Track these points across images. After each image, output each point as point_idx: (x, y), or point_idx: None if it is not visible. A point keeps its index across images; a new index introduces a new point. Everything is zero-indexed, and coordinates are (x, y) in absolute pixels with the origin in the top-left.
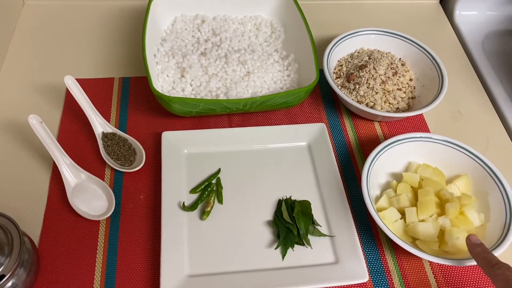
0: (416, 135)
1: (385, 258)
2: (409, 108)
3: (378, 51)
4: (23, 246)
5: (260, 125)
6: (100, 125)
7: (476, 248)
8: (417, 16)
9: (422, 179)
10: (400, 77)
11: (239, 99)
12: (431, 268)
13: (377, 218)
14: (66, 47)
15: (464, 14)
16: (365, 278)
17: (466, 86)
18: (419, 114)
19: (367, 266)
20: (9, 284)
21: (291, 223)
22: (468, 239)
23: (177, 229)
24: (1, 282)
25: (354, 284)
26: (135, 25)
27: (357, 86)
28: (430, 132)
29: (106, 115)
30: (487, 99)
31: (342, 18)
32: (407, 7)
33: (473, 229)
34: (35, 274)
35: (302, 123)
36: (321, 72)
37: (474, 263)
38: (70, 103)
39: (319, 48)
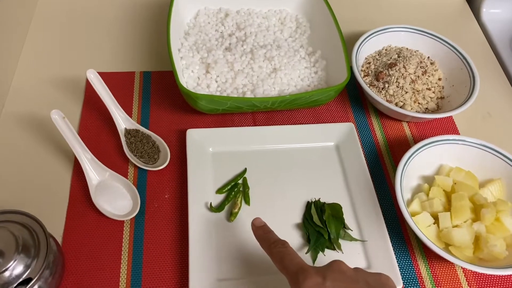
0: (449, 138)
1: (417, 264)
2: (438, 108)
3: (407, 49)
4: (49, 248)
5: (285, 124)
6: (123, 121)
7: (259, 230)
8: (443, 14)
9: (456, 183)
10: (429, 76)
11: (269, 98)
12: (464, 276)
13: (412, 223)
14: (84, 40)
15: (491, 12)
16: (399, 284)
17: (494, 86)
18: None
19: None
20: (36, 287)
21: (321, 227)
22: (253, 223)
23: (204, 230)
24: (29, 285)
25: None
26: (155, 17)
27: (386, 85)
28: (459, 133)
29: (127, 111)
30: None
31: (367, 15)
32: (432, 5)
33: (509, 236)
34: (60, 276)
35: (328, 122)
36: None
37: (510, 272)
38: (90, 98)
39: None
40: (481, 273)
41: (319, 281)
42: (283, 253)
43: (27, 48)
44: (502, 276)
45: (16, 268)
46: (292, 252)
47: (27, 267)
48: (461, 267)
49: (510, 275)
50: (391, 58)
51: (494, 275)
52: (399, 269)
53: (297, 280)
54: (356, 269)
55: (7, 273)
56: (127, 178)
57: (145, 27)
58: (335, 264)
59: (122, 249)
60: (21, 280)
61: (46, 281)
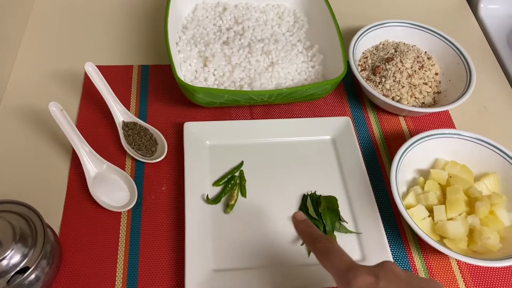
0: (445, 131)
1: (412, 256)
2: (434, 103)
3: (404, 43)
4: (46, 238)
5: (282, 117)
6: (120, 114)
7: (300, 224)
8: (440, 9)
9: (451, 177)
10: (426, 71)
11: (265, 91)
12: (458, 268)
13: (407, 216)
14: (82, 33)
15: (489, 7)
16: None
17: (491, 81)
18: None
19: None
20: (33, 276)
21: (317, 219)
22: (294, 216)
23: (201, 222)
24: (26, 274)
25: None
26: (153, 11)
27: (383, 80)
28: (455, 127)
29: (125, 104)
30: None
31: (364, 10)
32: (430, 0)
33: (503, 229)
34: (58, 266)
35: (325, 116)
36: None
37: (504, 264)
38: (88, 91)
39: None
40: (475, 266)
41: (371, 281)
42: (330, 249)
43: (25, 41)
44: (496, 268)
45: (13, 257)
46: (339, 248)
47: (24, 256)
48: (455, 259)
49: (504, 267)
50: (388, 52)
51: (487, 267)
52: (394, 261)
53: (347, 278)
54: (409, 273)
55: (4, 262)
56: (124, 171)
57: (144, 21)
58: (388, 265)
59: (119, 239)
60: (18, 269)
61: (43, 270)
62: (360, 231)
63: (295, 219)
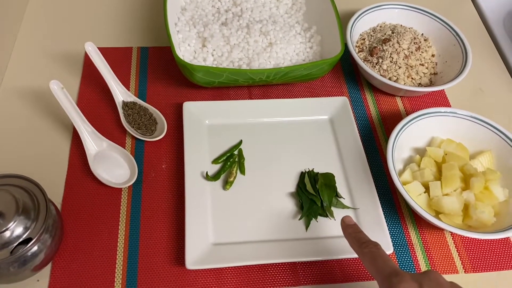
0: (441, 110)
1: (408, 232)
2: (431, 84)
3: (401, 25)
4: (49, 212)
5: (280, 98)
6: (120, 94)
7: (349, 228)
8: None
9: (446, 154)
10: (422, 52)
11: (263, 69)
12: (453, 242)
13: (403, 190)
14: (82, 15)
15: None
16: (389, 250)
17: (487, 63)
18: (440, 90)
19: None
20: (35, 248)
21: (314, 195)
22: (343, 220)
23: (200, 198)
24: (28, 245)
25: None
26: None
27: (380, 60)
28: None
29: (125, 85)
30: (509, 77)
31: None
32: None
33: (497, 204)
34: (59, 239)
35: (323, 97)
36: None
37: (498, 236)
38: (88, 71)
39: (341, 21)
40: (469, 240)
41: (415, 287)
42: (376, 254)
43: (26, 22)
44: (489, 241)
45: (16, 229)
46: (385, 254)
47: (26, 228)
48: (450, 233)
49: (497, 240)
50: (385, 34)
51: (481, 240)
52: (390, 236)
53: (391, 282)
54: (453, 283)
55: (7, 233)
56: (124, 149)
57: (143, 3)
58: (432, 274)
59: (120, 215)
60: (21, 240)
61: (45, 242)
62: (356, 207)
63: (344, 223)
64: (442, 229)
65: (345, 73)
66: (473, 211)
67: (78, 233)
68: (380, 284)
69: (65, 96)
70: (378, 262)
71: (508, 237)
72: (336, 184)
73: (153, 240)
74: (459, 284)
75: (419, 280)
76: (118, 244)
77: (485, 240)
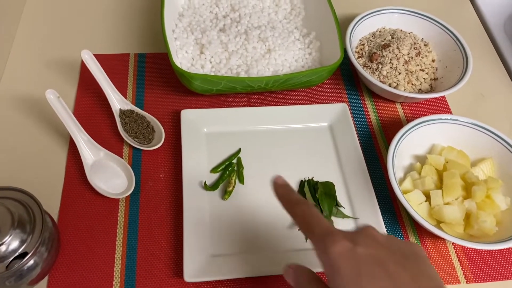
0: (442, 117)
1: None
2: (431, 90)
3: (401, 30)
4: (45, 224)
5: (279, 105)
6: (117, 102)
7: (280, 189)
8: None
9: (447, 162)
10: (423, 57)
11: (262, 77)
12: (455, 252)
13: (403, 200)
14: (79, 21)
15: None
16: None
17: (488, 68)
18: (441, 96)
19: None
20: (31, 262)
21: (314, 204)
22: (274, 181)
23: (199, 208)
24: (24, 259)
25: None
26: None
27: (380, 66)
28: (452, 114)
29: (122, 93)
30: (510, 81)
31: None
32: None
33: (499, 213)
34: (56, 252)
35: (322, 103)
36: None
37: (500, 247)
38: (85, 79)
39: (340, 26)
40: (471, 250)
41: (349, 246)
42: (308, 214)
43: (22, 29)
44: (491, 251)
45: (12, 243)
46: (318, 213)
47: (22, 242)
48: (452, 243)
49: (499, 250)
50: (385, 39)
51: (483, 250)
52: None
53: (324, 243)
54: (389, 236)
55: (3, 247)
56: (122, 158)
57: (140, 9)
58: (367, 230)
59: (118, 226)
60: (17, 254)
61: (41, 256)
62: (357, 216)
63: (275, 184)
64: (443, 239)
65: (344, 79)
66: (474, 220)
67: (75, 245)
68: (314, 245)
69: (61, 106)
70: (310, 222)
71: (511, 247)
72: (336, 193)
73: (151, 251)
74: None
75: (353, 238)
76: (115, 256)
77: (487, 249)
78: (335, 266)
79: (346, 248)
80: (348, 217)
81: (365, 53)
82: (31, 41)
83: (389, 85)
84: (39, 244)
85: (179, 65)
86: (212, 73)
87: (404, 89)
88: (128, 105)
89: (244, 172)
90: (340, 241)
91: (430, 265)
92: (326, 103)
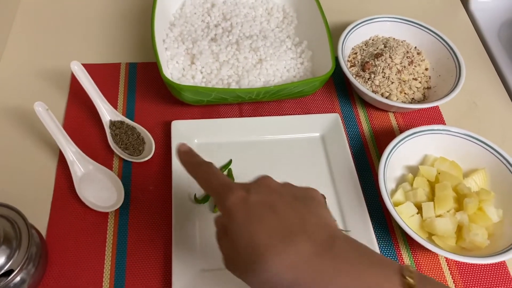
0: (434, 128)
1: (401, 253)
2: (424, 99)
3: (394, 39)
4: (31, 240)
5: (271, 115)
6: (107, 113)
7: (183, 156)
8: (431, 3)
9: (439, 173)
10: (416, 66)
11: (253, 89)
12: (447, 264)
13: (395, 213)
14: (69, 31)
15: (480, 1)
16: None
17: (482, 76)
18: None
19: None
20: (18, 279)
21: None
22: (177, 149)
23: (188, 221)
24: (10, 277)
25: None
26: (141, 8)
27: (372, 76)
28: (445, 123)
29: (113, 103)
30: (504, 90)
31: (354, 4)
32: None
33: (491, 225)
34: (43, 268)
35: (314, 113)
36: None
37: (492, 260)
38: (75, 89)
39: (332, 34)
40: (463, 262)
41: (243, 195)
42: (208, 173)
43: (11, 40)
44: (484, 264)
45: None
46: (217, 171)
47: (8, 259)
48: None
49: (491, 263)
50: (377, 48)
51: (475, 264)
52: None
53: (221, 196)
54: (284, 183)
55: None
56: (111, 170)
57: (131, 17)
58: (261, 178)
59: (107, 240)
60: (2, 271)
61: (28, 272)
62: (348, 229)
63: (179, 151)
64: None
65: (337, 88)
66: (466, 233)
67: (63, 260)
68: (214, 199)
69: (50, 118)
70: (210, 179)
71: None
72: (327, 206)
73: (140, 266)
74: None
75: (247, 188)
76: (104, 271)
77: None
78: (230, 214)
79: (240, 197)
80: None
81: (358, 62)
82: (21, 51)
83: (382, 94)
84: (26, 261)
85: (169, 76)
86: (203, 84)
87: (397, 99)
88: (118, 116)
89: None
90: (235, 192)
91: (322, 206)
92: (319, 112)
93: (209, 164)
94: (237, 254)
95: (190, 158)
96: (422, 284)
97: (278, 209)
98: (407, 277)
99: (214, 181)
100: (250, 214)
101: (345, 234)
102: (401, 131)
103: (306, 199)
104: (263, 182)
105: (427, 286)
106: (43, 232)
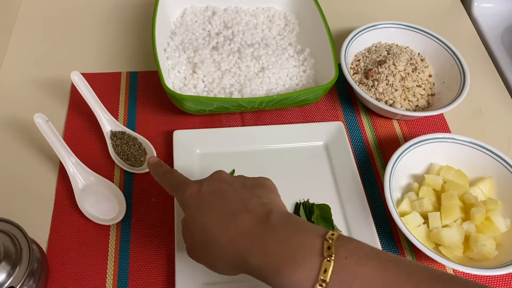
0: (439, 136)
1: None
2: (428, 106)
3: (397, 45)
4: (32, 255)
5: (274, 123)
6: (108, 123)
7: (152, 167)
8: (434, 9)
9: (445, 182)
10: (419, 73)
11: (255, 98)
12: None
13: (401, 224)
14: (69, 40)
15: (482, 6)
16: None
17: (486, 82)
18: None
19: None
20: None
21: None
22: (148, 162)
23: None
24: None
25: None
26: (142, 16)
27: (375, 83)
28: (450, 130)
29: (114, 112)
30: (508, 96)
31: (357, 11)
32: (423, 0)
33: (499, 235)
34: (45, 283)
35: (317, 121)
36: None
37: (499, 272)
38: (76, 100)
39: (334, 41)
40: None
41: (197, 188)
42: (171, 178)
43: (10, 50)
44: (492, 276)
45: None
46: (179, 175)
47: (9, 275)
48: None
49: (500, 275)
50: (380, 55)
51: (483, 275)
52: None
53: (179, 192)
54: (237, 175)
55: None
56: (113, 182)
57: (132, 26)
58: (215, 173)
59: (108, 254)
60: None
61: None
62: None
63: (148, 164)
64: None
65: (340, 95)
66: (474, 244)
67: (65, 275)
68: (176, 199)
69: (50, 130)
70: (171, 182)
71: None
72: (332, 216)
73: (142, 280)
74: None
75: (201, 182)
76: (106, 286)
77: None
78: (186, 205)
79: (194, 190)
80: None
81: (361, 69)
82: (21, 61)
83: (385, 102)
84: (26, 277)
85: (171, 85)
86: (205, 93)
87: (401, 106)
88: (119, 127)
89: None
90: (190, 187)
91: (270, 191)
92: (322, 120)
93: (173, 171)
94: (195, 240)
95: (157, 169)
96: (340, 244)
97: (226, 195)
98: (327, 239)
99: (174, 181)
100: (202, 203)
101: (282, 210)
102: (406, 138)
103: (255, 186)
104: (215, 175)
105: (345, 246)
106: (44, 246)
